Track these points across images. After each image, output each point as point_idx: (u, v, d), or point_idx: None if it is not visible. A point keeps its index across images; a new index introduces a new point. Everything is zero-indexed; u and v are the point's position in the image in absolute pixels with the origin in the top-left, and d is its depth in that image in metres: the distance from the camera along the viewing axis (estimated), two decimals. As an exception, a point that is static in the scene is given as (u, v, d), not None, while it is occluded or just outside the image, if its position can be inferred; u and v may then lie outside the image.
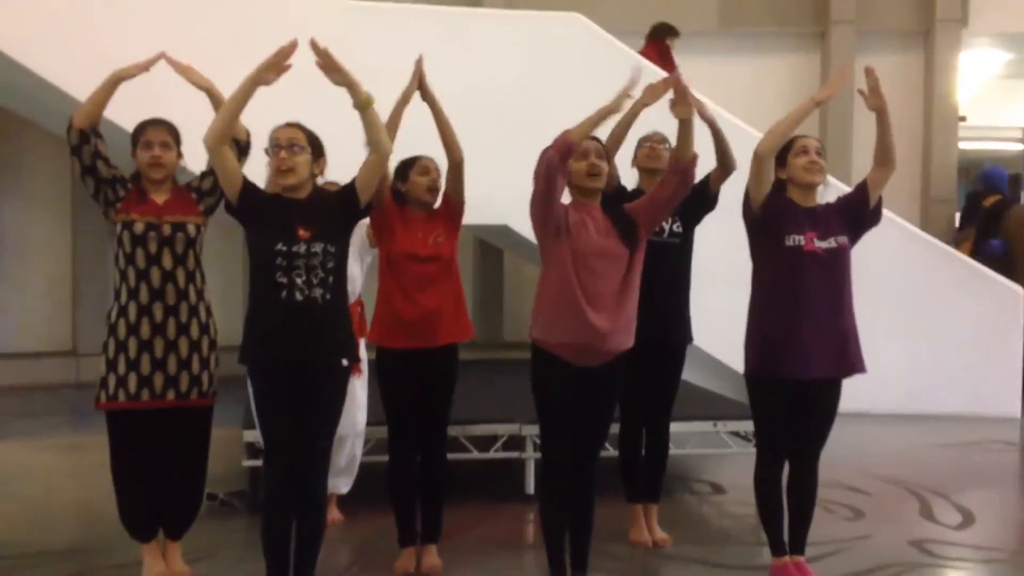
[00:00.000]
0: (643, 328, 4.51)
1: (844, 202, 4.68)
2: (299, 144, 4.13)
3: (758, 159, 4.51)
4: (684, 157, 4.37)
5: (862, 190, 4.66)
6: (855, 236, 4.63)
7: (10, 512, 5.99)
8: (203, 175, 4.64)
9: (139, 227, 4.45)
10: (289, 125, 4.23)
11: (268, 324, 4.09)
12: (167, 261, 4.46)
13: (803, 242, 4.47)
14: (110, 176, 4.51)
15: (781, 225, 4.50)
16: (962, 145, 12.80)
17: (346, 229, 4.24)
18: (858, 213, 4.63)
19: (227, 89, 7.44)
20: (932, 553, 5.35)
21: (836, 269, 4.53)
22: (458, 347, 4.84)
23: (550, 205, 4.24)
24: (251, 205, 4.11)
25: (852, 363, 4.59)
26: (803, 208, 4.56)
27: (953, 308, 9.19)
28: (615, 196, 4.75)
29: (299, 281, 4.02)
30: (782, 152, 4.60)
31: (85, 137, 4.48)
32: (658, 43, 10.05)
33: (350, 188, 4.23)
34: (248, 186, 4.13)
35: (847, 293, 4.57)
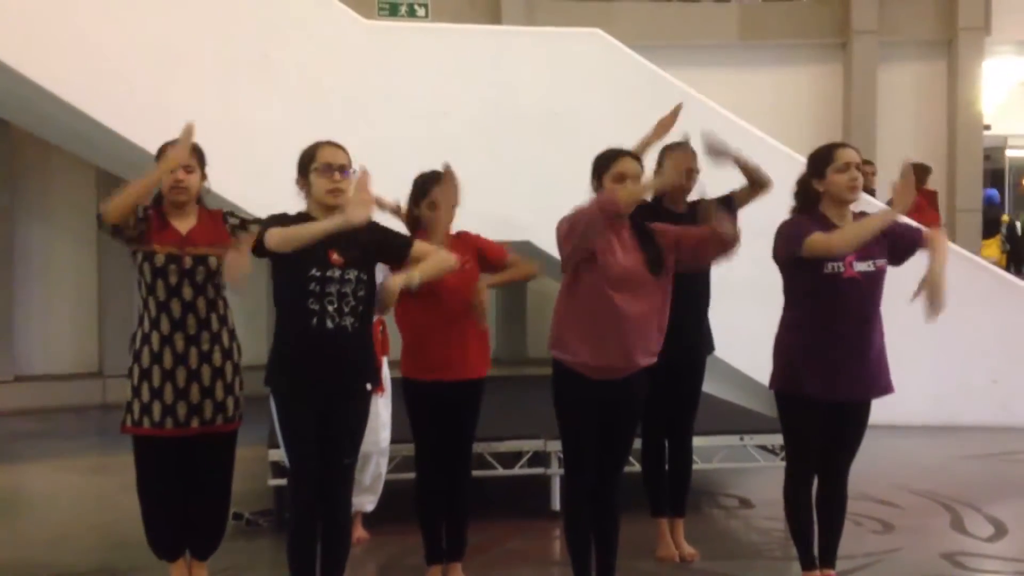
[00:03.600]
0: (664, 340, 4.48)
1: (894, 235, 4.46)
2: (349, 168, 4.12)
3: (830, 253, 4.32)
4: (732, 244, 4.21)
5: (913, 247, 4.49)
6: (895, 263, 4.51)
7: (38, 533, 6.01)
8: (245, 223, 4.51)
9: (160, 259, 4.40)
10: (335, 145, 4.17)
11: (296, 351, 4.08)
12: (187, 293, 4.42)
13: (842, 268, 4.35)
14: (140, 230, 4.43)
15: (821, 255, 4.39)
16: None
17: (374, 261, 4.21)
18: (904, 253, 4.50)
19: (255, 115, 7.57)
20: (964, 566, 5.29)
21: (871, 291, 4.43)
22: (483, 380, 4.80)
23: (584, 250, 4.17)
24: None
25: (882, 385, 4.53)
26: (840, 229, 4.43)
27: (981, 318, 9.09)
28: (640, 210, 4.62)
29: (331, 309, 4.02)
30: (821, 165, 4.47)
31: (118, 229, 4.36)
32: (920, 189, 10.04)
33: (402, 248, 4.20)
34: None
35: (879, 314, 4.49)
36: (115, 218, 4.31)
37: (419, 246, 4.24)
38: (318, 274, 4.00)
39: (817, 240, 4.32)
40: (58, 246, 10.89)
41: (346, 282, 4.04)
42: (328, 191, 4.07)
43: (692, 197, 5.22)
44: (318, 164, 4.09)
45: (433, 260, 4.18)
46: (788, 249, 4.44)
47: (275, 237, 3.97)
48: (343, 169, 4.09)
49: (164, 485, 4.56)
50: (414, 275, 4.07)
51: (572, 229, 4.16)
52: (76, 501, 6.86)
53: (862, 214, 4.56)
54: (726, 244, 4.20)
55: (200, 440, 4.52)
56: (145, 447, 4.53)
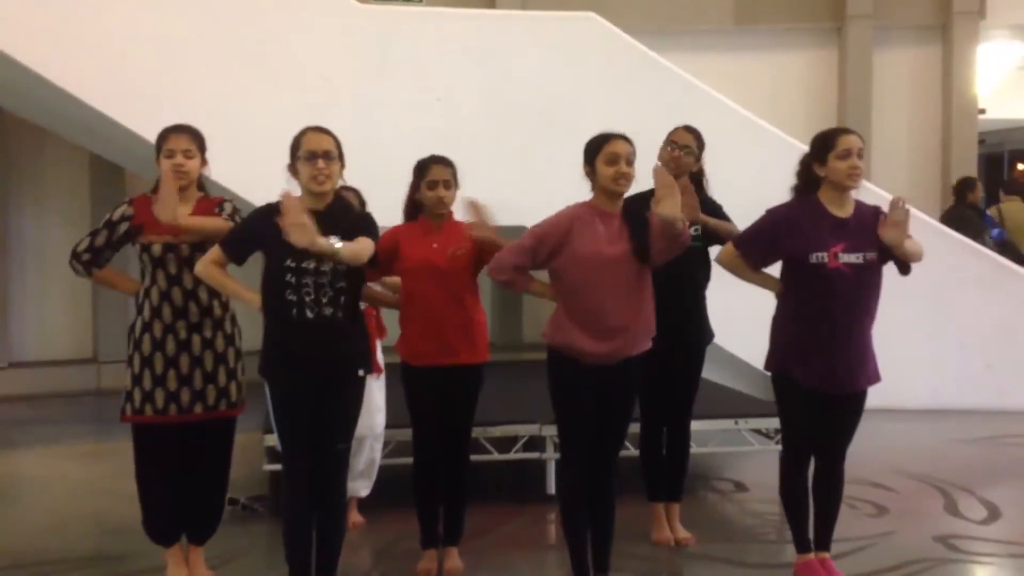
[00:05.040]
0: (662, 329, 4.48)
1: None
2: (334, 154, 4.11)
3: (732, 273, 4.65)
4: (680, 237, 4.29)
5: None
6: (884, 260, 4.51)
7: (32, 520, 6.01)
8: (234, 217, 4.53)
9: (157, 249, 4.41)
10: (320, 131, 4.15)
11: (281, 341, 4.09)
12: (188, 280, 4.41)
13: (826, 259, 4.35)
14: (116, 247, 4.59)
15: (803, 242, 4.38)
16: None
17: None
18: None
19: (249, 100, 7.54)
20: (958, 549, 5.30)
21: (863, 284, 4.40)
22: (481, 366, 4.79)
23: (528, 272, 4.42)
24: (261, 245, 4.11)
25: (868, 375, 4.53)
26: (832, 218, 4.42)
27: (976, 303, 9.11)
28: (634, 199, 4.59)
29: (308, 299, 4.01)
30: (822, 151, 4.45)
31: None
32: None
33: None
34: (249, 245, 4.16)
35: (873, 307, 4.47)
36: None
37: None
38: (293, 265, 4.00)
39: (727, 258, 4.63)
40: (52, 232, 10.86)
41: (322, 273, 4.01)
42: (311, 178, 4.07)
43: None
44: (302, 152, 4.09)
45: (357, 243, 4.03)
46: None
47: (202, 275, 4.21)
48: (327, 155, 4.07)
49: (164, 471, 4.55)
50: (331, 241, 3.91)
51: (496, 266, 4.43)
52: (70, 487, 6.85)
53: (875, 209, 4.54)
54: (675, 238, 4.22)
55: (202, 426, 4.52)
56: (146, 434, 4.52)
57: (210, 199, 4.59)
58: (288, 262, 4.00)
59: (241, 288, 4.20)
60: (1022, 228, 11.44)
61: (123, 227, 4.49)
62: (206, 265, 4.19)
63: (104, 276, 4.70)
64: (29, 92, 8.02)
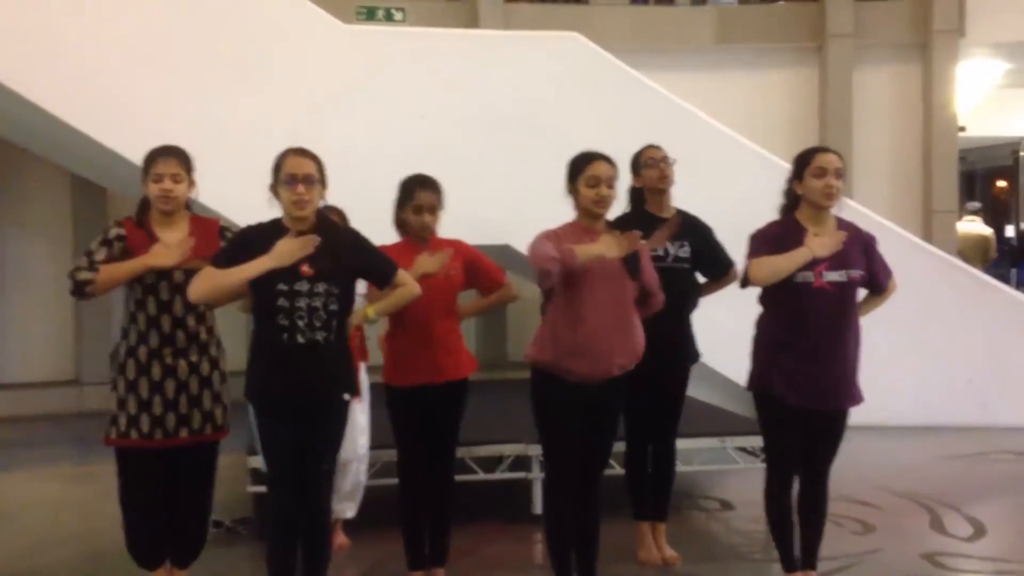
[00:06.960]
0: (648, 350, 4.49)
1: (867, 256, 4.52)
2: (314, 178, 4.08)
3: (756, 284, 4.47)
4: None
5: (877, 282, 4.58)
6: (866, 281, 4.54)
7: (15, 542, 5.96)
8: None
9: (150, 276, 4.34)
10: (301, 154, 4.11)
11: (270, 365, 4.07)
12: (178, 308, 4.37)
13: (812, 278, 4.35)
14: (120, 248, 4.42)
15: None
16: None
17: (354, 277, 4.18)
18: (870, 277, 4.55)
19: (232, 120, 7.53)
20: (944, 566, 5.31)
21: (846, 302, 4.43)
22: (467, 381, 4.79)
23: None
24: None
25: (850, 395, 4.54)
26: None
27: (959, 319, 9.14)
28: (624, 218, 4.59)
29: (301, 324, 3.99)
30: (800, 167, 4.47)
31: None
32: None
33: (388, 275, 4.20)
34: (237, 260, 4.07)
35: (856, 324, 4.49)
36: (100, 293, 4.42)
37: (402, 275, 4.21)
38: (286, 288, 3.97)
39: (754, 271, 4.40)
40: (34, 253, 10.83)
41: (315, 296, 4.00)
42: (292, 203, 4.04)
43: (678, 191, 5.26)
44: (283, 175, 4.06)
45: (396, 295, 4.22)
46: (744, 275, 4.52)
47: (200, 289, 4.00)
48: (307, 179, 4.04)
49: (149, 495, 4.50)
50: (369, 313, 4.23)
51: (532, 265, 4.21)
52: (53, 510, 6.80)
53: (852, 226, 4.56)
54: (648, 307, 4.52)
55: (186, 449, 4.48)
56: (131, 458, 4.47)
57: (202, 219, 4.55)
58: (280, 285, 3.97)
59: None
60: (977, 248, 12.08)
61: (119, 246, 4.40)
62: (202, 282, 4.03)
63: (107, 272, 4.35)
64: (7, 110, 7.98)
